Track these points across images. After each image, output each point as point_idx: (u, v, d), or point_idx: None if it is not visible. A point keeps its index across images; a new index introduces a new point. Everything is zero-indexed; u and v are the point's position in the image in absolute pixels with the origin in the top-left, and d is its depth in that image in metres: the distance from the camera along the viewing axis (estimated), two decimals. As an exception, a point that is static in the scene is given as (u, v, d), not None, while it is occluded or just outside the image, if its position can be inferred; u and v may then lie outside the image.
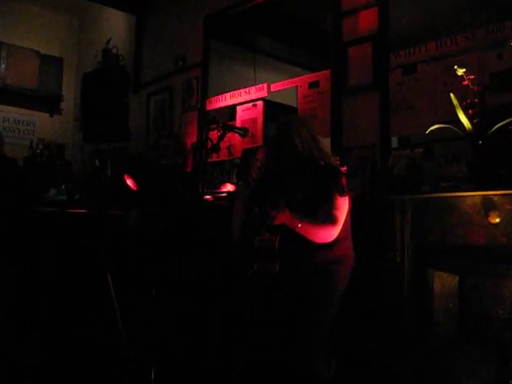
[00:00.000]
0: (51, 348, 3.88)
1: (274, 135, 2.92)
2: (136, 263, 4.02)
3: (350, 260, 2.77)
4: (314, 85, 4.23)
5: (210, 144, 3.55)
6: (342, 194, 2.60)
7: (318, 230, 2.60)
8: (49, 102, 7.02)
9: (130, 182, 4.42)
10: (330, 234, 2.61)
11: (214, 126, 4.74)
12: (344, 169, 2.59)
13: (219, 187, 4.68)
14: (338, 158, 2.93)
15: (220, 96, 5.12)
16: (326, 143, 3.05)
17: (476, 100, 2.76)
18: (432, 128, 2.93)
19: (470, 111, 2.75)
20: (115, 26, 6.67)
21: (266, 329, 2.69)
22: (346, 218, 2.69)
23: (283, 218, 2.57)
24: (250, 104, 4.77)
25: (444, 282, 2.69)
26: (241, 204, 3.09)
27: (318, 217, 2.62)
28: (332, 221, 2.60)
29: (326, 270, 2.66)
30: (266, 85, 4.65)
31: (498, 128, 2.62)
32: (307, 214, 2.62)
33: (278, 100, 4.89)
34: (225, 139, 3.63)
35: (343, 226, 2.66)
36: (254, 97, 4.75)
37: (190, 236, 3.77)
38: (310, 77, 4.32)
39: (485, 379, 2.47)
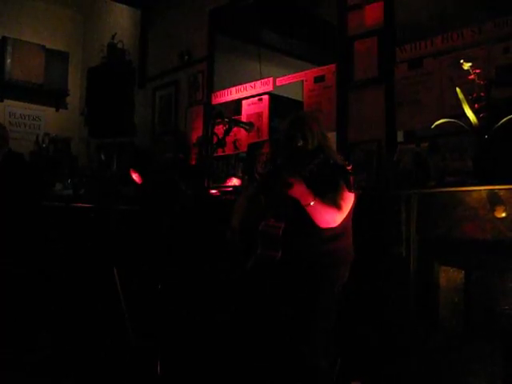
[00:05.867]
0: (60, 341, 3.91)
1: (286, 128, 2.90)
2: (142, 257, 4.04)
3: (350, 256, 2.79)
4: (319, 79, 4.22)
5: (215, 139, 3.56)
6: (350, 190, 2.56)
7: (326, 213, 2.58)
8: (55, 97, 7.03)
9: (135, 176, 4.44)
10: (334, 218, 2.60)
11: (219, 120, 4.74)
12: (350, 168, 2.58)
13: (225, 181, 4.69)
14: (343, 157, 2.91)
15: (225, 90, 5.12)
16: (331, 138, 3.05)
17: (482, 94, 2.75)
18: (438, 122, 2.92)
19: (476, 105, 2.74)
20: (120, 21, 6.67)
21: (267, 321, 2.69)
22: (349, 214, 2.70)
23: (300, 188, 2.54)
24: (256, 98, 4.77)
25: (450, 276, 2.69)
26: (245, 198, 3.08)
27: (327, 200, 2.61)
28: (338, 206, 2.59)
29: (327, 263, 2.67)
30: (271, 79, 4.64)
31: (504, 122, 2.61)
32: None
33: (284, 94, 4.89)
34: (230, 133, 3.63)
35: (345, 220, 2.67)
36: (259, 91, 4.74)
37: (194, 230, 3.78)
38: (315, 71, 4.31)
39: (490, 374, 2.48)
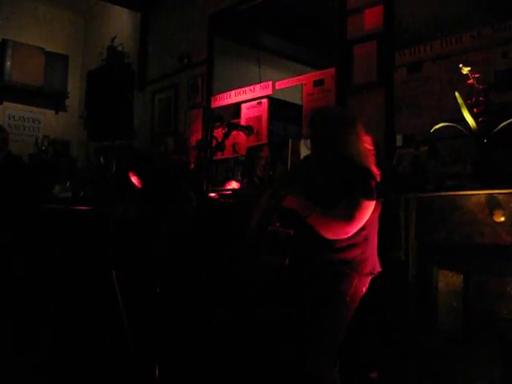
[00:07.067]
0: (59, 343, 3.91)
1: (308, 127, 2.83)
2: (141, 259, 4.03)
3: (367, 267, 2.61)
4: (318, 83, 4.23)
5: (215, 142, 3.56)
6: (368, 197, 2.45)
7: (331, 225, 2.47)
8: (54, 99, 7.03)
9: (134, 179, 4.43)
10: (342, 230, 2.46)
11: (218, 123, 4.74)
12: (378, 172, 2.48)
13: (224, 185, 4.69)
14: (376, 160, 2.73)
15: (225, 94, 5.12)
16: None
17: (481, 98, 2.76)
18: (437, 126, 2.93)
19: (475, 110, 2.75)
20: (120, 24, 6.67)
21: (270, 328, 2.63)
22: (372, 223, 2.58)
23: (294, 200, 2.49)
24: (255, 102, 4.77)
25: (448, 280, 2.69)
26: (268, 195, 2.85)
27: (335, 211, 2.48)
28: (349, 218, 2.44)
29: (335, 272, 2.53)
30: (270, 82, 4.65)
31: (503, 126, 2.62)
32: (325, 207, 2.50)
33: (283, 98, 4.89)
34: (229, 137, 3.63)
35: (365, 230, 2.54)
36: (258, 94, 4.75)
37: (194, 233, 3.78)
38: (314, 75, 4.32)
39: (489, 379, 2.48)
